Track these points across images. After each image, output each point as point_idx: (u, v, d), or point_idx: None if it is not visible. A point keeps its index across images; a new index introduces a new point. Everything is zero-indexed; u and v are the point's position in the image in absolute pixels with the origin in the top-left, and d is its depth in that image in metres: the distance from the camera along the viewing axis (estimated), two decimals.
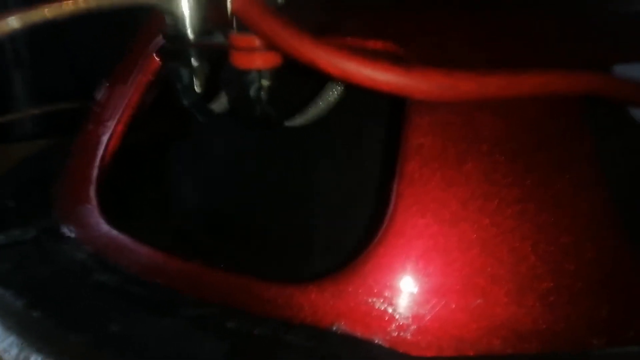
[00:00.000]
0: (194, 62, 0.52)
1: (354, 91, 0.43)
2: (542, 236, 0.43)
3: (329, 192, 0.62)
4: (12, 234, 0.61)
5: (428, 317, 0.42)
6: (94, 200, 0.60)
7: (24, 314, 0.49)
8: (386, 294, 0.43)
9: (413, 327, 0.42)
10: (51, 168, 0.73)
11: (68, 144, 0.69)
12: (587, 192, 0.45)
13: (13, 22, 0.33)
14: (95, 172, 0.62)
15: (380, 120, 0.56)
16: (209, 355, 0.42)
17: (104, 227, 0.57)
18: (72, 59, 1.17)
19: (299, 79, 0.48)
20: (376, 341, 0.42)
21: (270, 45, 0.43)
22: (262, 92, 0.49)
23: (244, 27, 0.44)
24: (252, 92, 0.49)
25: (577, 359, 0.42)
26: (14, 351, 0.46)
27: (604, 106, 0.46)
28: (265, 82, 0.49)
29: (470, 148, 0.45)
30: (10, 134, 1.14)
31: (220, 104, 0.64)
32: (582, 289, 0.43)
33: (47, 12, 0.34)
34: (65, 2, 0.35)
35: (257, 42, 0.45)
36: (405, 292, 0.42)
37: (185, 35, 0.50)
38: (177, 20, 0.49)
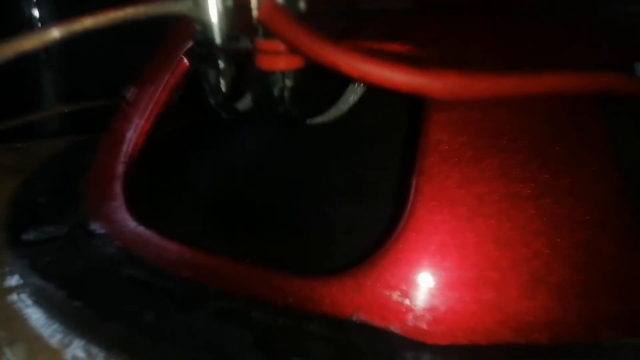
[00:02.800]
0: (221, 64, 0.54)
1: (374, 90, 0.44)
2: (557, 231, 0.43)
3: (350, 188, 0.63)
4: (46, 230, 0.63)
5: (443, 309, 0.43)
6: (120, 197, 0.61)
7: (66, 304, 0.51)
8: (403, 287, 0.44)
9: (428, 317, 0.43)
10: (80, 164, 0.75)
11: (96, 141, 0.71)
12: (602, 187, 0.45)
13: (55, 32, 0.34)
14: (121, 168, 0.63)
15: (400, 117, 0.57)
16: (235, 343, 0.44)
17: (131, 223, 0.59)
18: (99, 60, 1.19)
19: (321, 80, 0.49)
20: (393, 330, 0.43)
21: (294, 49, 0.45)
22: (285, 92, 0.50)
23: (268, 33, 0.45)
24: (275, 91, 0.50)
25: (588, 350, 0.43)
26: (58, 337, 0.49)
27: (619, 102, 0.46)
28: (288, 82, 0.50)
29: (487, 144, 0.45)
30: (39, 131, 1.16)
31: (244, 103, 0.65)
32: (595, 282, 0.43)
33: (87, 23, 0.35)
34: (104, 12, 0.36)
35: (281, 46, 0.46)
36: (421, 285, 0.43)
37: (213, 40, 0.51)
38: (206, 27, 0.50)
